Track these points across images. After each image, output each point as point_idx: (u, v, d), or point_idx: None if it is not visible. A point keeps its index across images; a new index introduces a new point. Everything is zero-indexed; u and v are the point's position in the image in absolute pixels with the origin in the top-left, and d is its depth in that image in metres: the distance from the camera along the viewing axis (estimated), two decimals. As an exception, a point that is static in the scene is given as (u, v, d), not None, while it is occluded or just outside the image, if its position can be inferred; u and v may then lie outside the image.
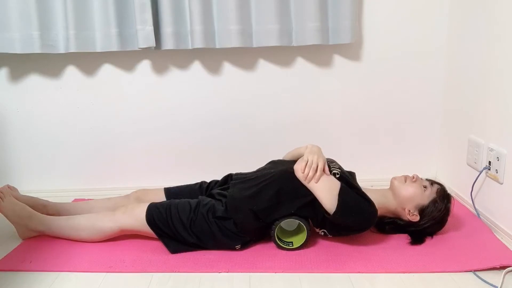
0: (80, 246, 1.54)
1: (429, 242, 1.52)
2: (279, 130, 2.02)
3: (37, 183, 2.04)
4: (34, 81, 1.96)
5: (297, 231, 1.54)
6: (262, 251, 1.50)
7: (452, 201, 1.56)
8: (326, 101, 2.01)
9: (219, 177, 1.72)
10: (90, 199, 1.85)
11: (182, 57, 1.95)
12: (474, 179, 1.70)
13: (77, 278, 1.37)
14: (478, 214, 1.71)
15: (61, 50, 1.83)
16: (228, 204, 1.51)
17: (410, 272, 1.36)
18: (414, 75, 1.99)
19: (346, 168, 1.62)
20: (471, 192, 1.74)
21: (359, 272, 1.37)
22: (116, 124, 2.01)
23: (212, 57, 1.95)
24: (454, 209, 1.58)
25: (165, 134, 2.02)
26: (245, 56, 1.95)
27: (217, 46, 1.86)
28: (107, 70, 1.96)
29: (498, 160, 1.57)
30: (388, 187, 1.59)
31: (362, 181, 1.62)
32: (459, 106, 1.87)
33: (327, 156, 1.59)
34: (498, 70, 1.57)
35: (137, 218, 1.51)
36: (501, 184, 1.57)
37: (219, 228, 1.48)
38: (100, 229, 1.54)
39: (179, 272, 1.39)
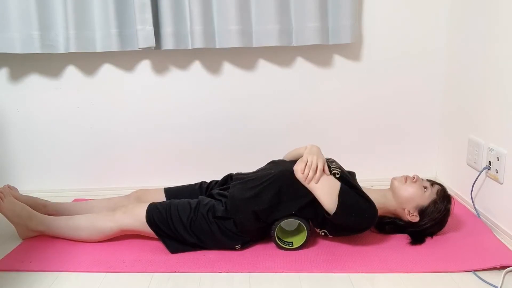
0: (80, 246, 1.54)
1: (429, 242, 1.52)
2: (279, 130, 2.02)
3: (37, 183, 2.04)
4: (34, 81, 1.96)
5: (297, 231, 1.54)
6: (262, 251, 1.50)
7: (452, 202, 1.55)
8: (326, 101, 2.01)
9: (219, 177, 1.72)
10: (90, 199, 1.85)
11: (182, 57, 1.95)
12: (474, 179, 1.70)
13: (77, 278, 1.37)
14: (478, 214, 1.71)
15: (61, 50, 1.83)
16: (228, 205, 1.50)
17: (410, 272, 1.36)
18: (414, 75, 1.98)
19: (346, 168, 1.62)
20: (471, 192, 1.74)
21: (359, 272, 1.37)
22: (116, 124, 2.01)
23: (212, 57, 1.95)
24: (454, 209, 1.58)
25: (165, 134, 2.02)
26: (245, 56, 1.95)
27: (217, 46, 1.86)
28: (107, 70, 1.96)
29: (498, 160, 1.57)
30: (388, 187, 1.59)
31: (362, 181, 1.62)
32: (459, 106, 1.87)
33: (327, 156, 1.59)
34: (498, 70, 1.57)
35: (137, 218, 1.51)
36: (501, 184, 1.57)
37: (219, 228, 1.48)
38: (100, 229, 1.54)
39: (179, 272, 1.39)
